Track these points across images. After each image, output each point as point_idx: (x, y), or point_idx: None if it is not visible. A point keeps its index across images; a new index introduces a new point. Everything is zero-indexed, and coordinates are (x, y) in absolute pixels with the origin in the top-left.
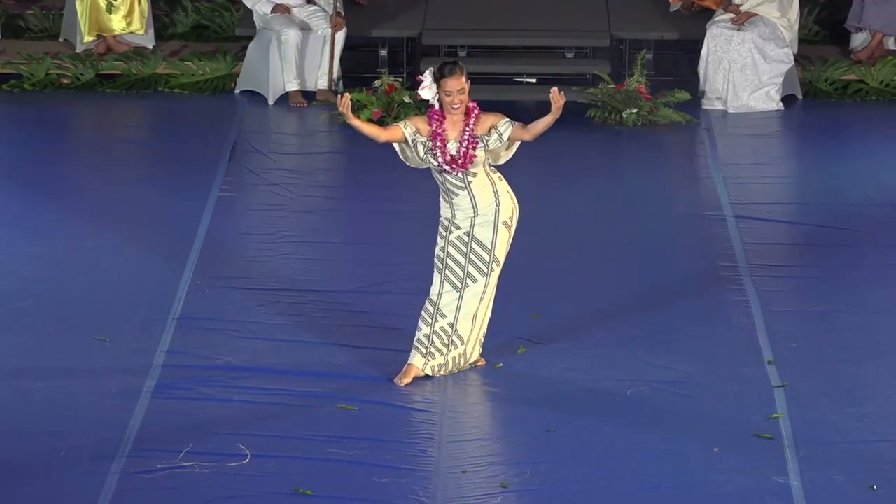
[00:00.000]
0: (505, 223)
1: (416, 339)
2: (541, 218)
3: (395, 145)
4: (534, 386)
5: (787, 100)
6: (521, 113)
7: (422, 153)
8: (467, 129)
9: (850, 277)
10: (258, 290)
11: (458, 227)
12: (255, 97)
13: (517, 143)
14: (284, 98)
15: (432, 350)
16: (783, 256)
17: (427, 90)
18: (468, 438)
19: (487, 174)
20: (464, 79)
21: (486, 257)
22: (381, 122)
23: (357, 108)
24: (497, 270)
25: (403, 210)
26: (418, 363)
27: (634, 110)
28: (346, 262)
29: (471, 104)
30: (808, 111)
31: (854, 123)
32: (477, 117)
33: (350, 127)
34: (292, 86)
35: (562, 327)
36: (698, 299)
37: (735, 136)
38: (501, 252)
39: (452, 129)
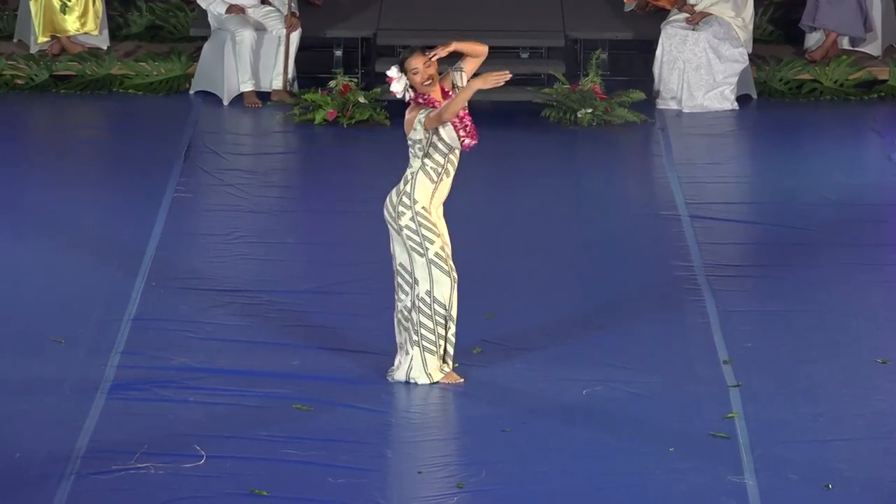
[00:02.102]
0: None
1: (426, 342)
2: (496, 218)
3: (418, 126)
4: (489, 386)
5: (742, 99)
6: (476, 113)
7: (442, 133)
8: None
9: (805, 277)
10: (213, 290)
11: (428, 213)
12: (210, 98)
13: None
14: (239, 98)
15: (446, 358)
16: (738, 256)
17: (396, 83)
18: (424, 439)
19: None
20: (426, 57)
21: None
22: (335, 123)
23: (311, 109)
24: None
25: (360, 210)
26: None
27: (589, 110)
28: (302, 263)
29: (442, 83)
30: (762, 111)
31: (808, 123)
32: (446, 90)
33: (306, 126)
34: (247, 86)
35: (517, 328)
36: (654, 299)
37: (690, 136)
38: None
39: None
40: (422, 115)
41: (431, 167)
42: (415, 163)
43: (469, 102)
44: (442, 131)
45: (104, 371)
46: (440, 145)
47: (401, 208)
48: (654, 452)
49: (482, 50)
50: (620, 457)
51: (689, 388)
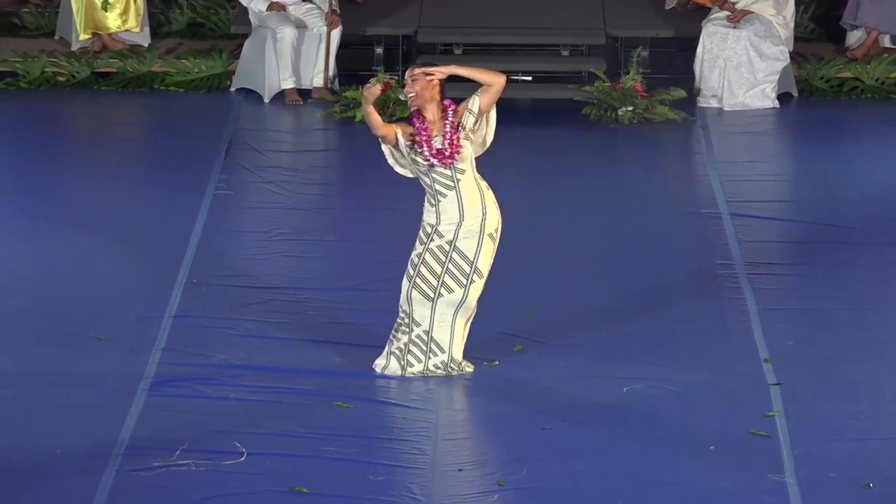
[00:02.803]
0: (490, 235)
1: (393, 346)
2: (536, 216)
3: (385, 150)
4: (529, 384)
5: (783, 97)
6: (517, 111)
7: (407, 154)
8: (447, 121)
9: (845, 275)
10: (253, 287)
11: (440, 236)
12: (251, 95)
13: (493, 114)
14: (280, 96)
15: (409, 358)
16: (779, 254)
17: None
18: (464, 436)
19: (476, 178)
20: (416, 71)
21: (467, 269)
22: None
23: (352, 107)
24: (479, 283)
25: (399, 207)
26: (395, 370)
27: (630, 108)
28: (341, 260)
29: (446, 102)
30: (803, 109)
31: (849, 121)
32: (454, 111)
33: (346, 124)
34: (288, 83)
35: (557, 325)
36: (694, 297)
37: (731, 134)
38: (485, 264)
39: (434, 127)
40: (473, 99)
41: (427, 191)
42: None
43: (503, 101)
44: (393, 155)
45: (145, 368)
46: (418, 167)
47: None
48: (695, 451)
49: (494, 79)
50: (661, 455)
51: (729, 387)
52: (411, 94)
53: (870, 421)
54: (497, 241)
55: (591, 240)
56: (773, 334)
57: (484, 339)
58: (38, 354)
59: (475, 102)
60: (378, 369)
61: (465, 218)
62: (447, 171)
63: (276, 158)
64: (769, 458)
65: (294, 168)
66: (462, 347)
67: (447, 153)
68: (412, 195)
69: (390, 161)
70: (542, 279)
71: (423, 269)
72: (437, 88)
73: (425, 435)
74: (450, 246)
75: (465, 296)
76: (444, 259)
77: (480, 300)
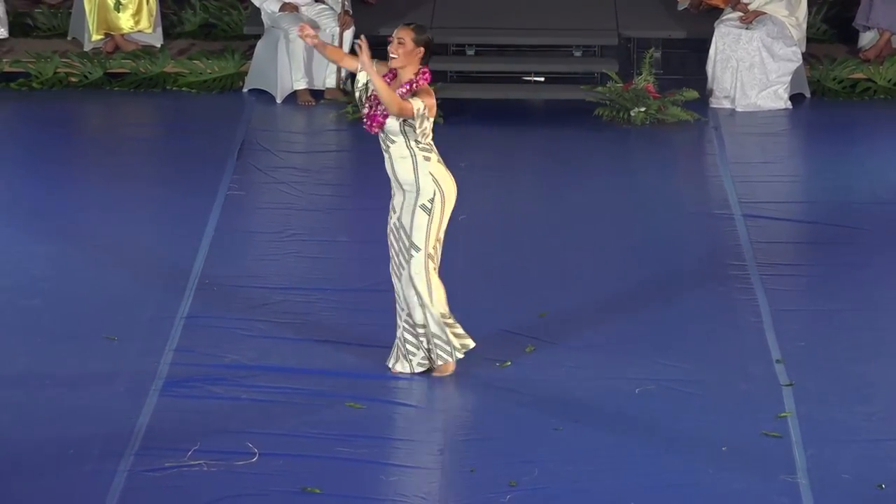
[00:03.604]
0: (423, 206)
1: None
2: (549, 216)
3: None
4: (542, 384)
5: (796, 98)
6: (529, 112)
7: (358, 95)
8: (400, 90)
9: (858, 276)
10: (266, 288)
11: (394, 211)
12: (263, 96)
13: (424, 118)
14: (292, 96)
15: (409, 347)
16: (791, 255)
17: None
18: (476, 437)
19: (410, 148)
20: (412, 34)
21: (407, 243)
22: None
23: None
24: (417, 256)
25: None
26: (404, 368)
27: (642, 109)
28: (354, 261)
29: (423, 72)
30: (816, 110)
31: (862, 122)
32: (411, 86)
33: (359, 124)
34: (300, 84)
35: (570, 326)
36: (706, 298)
37: (743, 135)
38: (419, 237)
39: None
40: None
41: None
42: None
43: (516, 102)
44: None
45: (157, 368)
46: None
47: None
48: (707, 451)
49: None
50: (672, 456)
51: (741, 387)
52: (393, 57)
53: (882, 422)
54: (438, 214)
55: (602, 240)
56: (785, 335)
57: (496, 339)
58: (51, 354)
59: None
60: (391, 369)
61: (401, 184)
62: (380, 135)
63: (288, 159)
64: (781, 459)
65: (306, 169)
66: (441, 344)
67: (366, 122)
68: None
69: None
70: (554, 280)
71: (391, 251)
72: (419, 56)
73: (437, 435)
74: (399, 222)
75: (408, 272)
76: (397, 235)
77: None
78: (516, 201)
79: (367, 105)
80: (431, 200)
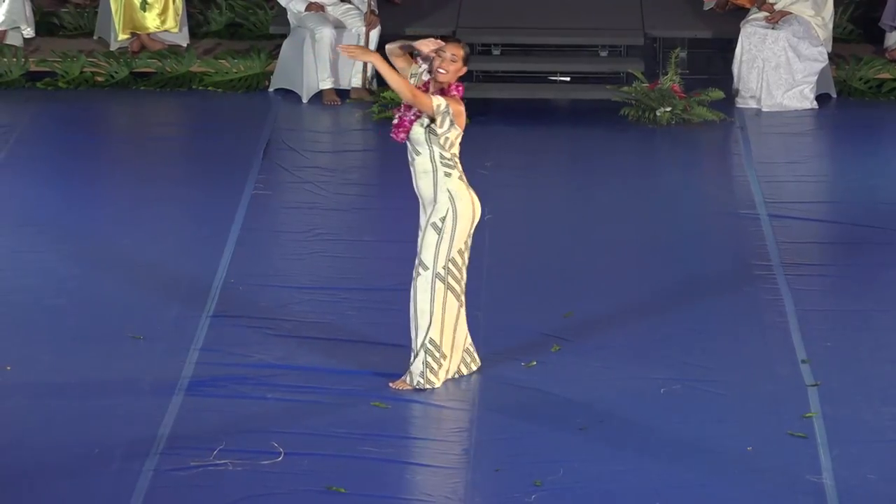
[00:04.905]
0: (433, 224)
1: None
2: (575, 216)
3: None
4: (567, 384)
5: (821, 98)
6: (555, 112)
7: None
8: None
9: (884, 276)
10: (292, 287)
11: (420, 227)
12: (289, 95)
13: (446, 117)
14: (318, 96)
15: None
16: (817, 255)
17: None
18: (501, 436)
19: (433, 161)
20: (463, 53)
21: (416, 261)
22: None
23: (390, 107)
24: (424, 275)
25: None
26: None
27: (668, 109)
28: (380, 260)
29: (458, 86)
30: (842, 110)
31: (888, 122)
32: (441, 91)
33: (384, 124)
34: (326, 84)
35: (595, 326)
36: (732, 298)
37: (769, 135)
38: (427, 255)
39: None
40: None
41: None
42: None
43: (540, 102)
44: None
45: (183, 368)
46: None
47: None
48: (732, 451)
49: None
50: (698, 456)
51: (767, 388)
52: (442, 72)
53: None
54: (449, 234)
55: (628, 240)
56: (811, 335)
57: (522, 339)
58: (77, 353)
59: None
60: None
61: (421, 197)
62: (408, 146)
63: (314, 159)
64: (807, 459)
65: (332, 168)
66: (422, 364)
67: (392, 130)
68: None
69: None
70: (580, 280)
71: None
72: (461, 73)
73: (462, 435)
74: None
75: (413, 291)
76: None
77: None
78: (541, 201)
79: (401, 109)
80: (443, 219)
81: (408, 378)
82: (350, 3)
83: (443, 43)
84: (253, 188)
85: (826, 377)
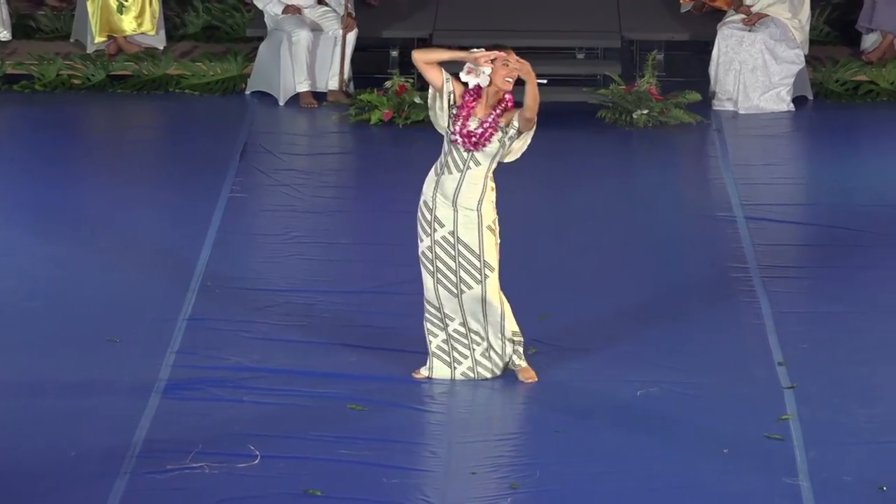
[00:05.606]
0: (489, 227)
1: (433, 346)
2: (551, 218)
3: (430, 91)
4: (543, 387)
5: (798, 101)
6: None
7: (445, 108)
8: (494, 112)
9: (860, 278)
10: (268, 290)
11: (441, 225)
12: (266, 98)
13: (529, 135)
14: (295, 99)
15: (455, 356)
16: (794, 257)
17: (473, 75)
18: (478, 439)
19: (486, 177)
20: (519, 64)
21: (477, 263)
22: (391, 123)
23: (367, 109)
24: (493, 276)
25: (414, 210)
26: (444, 373)
27: (645, 111)
28: (357, 263)
29: (507, 95)
30: (818, 112)
31: (865, 124)
32: (507, 108)
33: (361, 127)
34: (303, 87)
35: (572, 328)
36: (708, 300)
37: (746, 137)
38: (492, 257)
39: (481, 109)
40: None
41: (441, 156)
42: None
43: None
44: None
45: (159, 370)
46: (446, 130)
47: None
48: (708, 454)
49: (533, 113)
50: (674, 458)
51: (743, 390)
52: (509, 80)
53: (884, 424)
54: (497, 236)
55: (605, 243)
56: (787, 337)
57: None
58: (53, 356)
59: (516, 120)
60: (423, 375)
61: (460, 204)
62: (464, 154)
63: (291, 161)
64: (783, 461)
65: (309, 171)
66: (509, 347)
67: (474, 140)
68: None
69: (429, 102)
70: (557, 282)
71: (439, 264)
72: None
73: (439, 438)
74: (454, 237)
75: (483, 292)
76: (453, 252)
77: (507, 296)
78: (517, 203)
79: (458, 120)
80: (495, 221)
81: (473, 368)
82: (327, 5)
83: (497, 53)
84: (230, 191)
85: (802, 379)
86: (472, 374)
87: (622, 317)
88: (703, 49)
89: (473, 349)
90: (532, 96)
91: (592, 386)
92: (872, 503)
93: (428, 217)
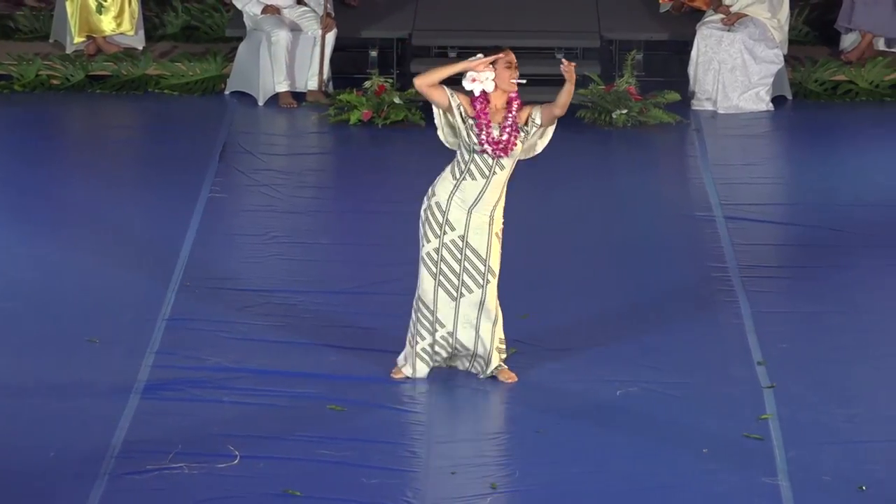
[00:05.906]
0: (497, 234)
1: (418, 348)
2: (530, 218)
3: (435, 111)
4: (524, 387)
5: (777, 100)
6: None
7: (460, 122)
8: (510, 115)
9: (839, 278)
10: (248, 291)
11: (451, 228)
12: (245, 98)
13: (551, 129)
14: (274, 99)
15: (437, 359)
16: (773, 257)
17: (477, 83)
18: (457, 439)
19: (506, 181)
20: (514, 60)
21: (482, 267)
22: (370, 123)
23: (346, 109)
24: (494, 282)
25: (394, 210)
26: (426, 374)
27: (624, 111)
28: (336, 263)
29: (513, 96)
30: (797, 112)
31: (844, 124)
32: (519, 106)
33: (341, 127)
34: (282, 87)
35: (552, 328)
36: (688, 300)
37: (725, 137)
38: (496, 263)
39: (495, 115)
40: (537, 109)
41: (458, 162)
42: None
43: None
44: (465, 128)
45: (138, 371)
46: (465, 142)
47: (427, 195)
48: (688, 453)
49: (564, 108)
50: (654, 458)
51: (723, 390)
52: (514, 82)
53: (863, 424)
54: (500, 245)
55: (584, 243)
56: (766, 337)
57: None
58: (32, 357)
59: (538, 115)
60: (404, 374)
61: (476, 209)
62: (489, 161)
63: (270, 161)
64: (762, 460)
65: (288, 171)
66: (498, 356)
67: (502, 146)
68: (407, 198)
69: (437, 122)
70: (536, 282)
71: (443, 267)
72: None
73: (419, 438)
74: (462, 241)
75: (483, 296)
76: (459, 256)
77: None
78: None
79: (481, 130)
80: (501, 230)
81: (427, 369)
82: (306, 5)
83: (496, 56)
84: (209, 191)
85: (782, 379)
86: (452, 364)
87: (602, 317)
88: (682, 49)
89: (453, 360)
90: (568, 93)
91: (573, 386)
92: (852, 502)
93: (440, 219)
